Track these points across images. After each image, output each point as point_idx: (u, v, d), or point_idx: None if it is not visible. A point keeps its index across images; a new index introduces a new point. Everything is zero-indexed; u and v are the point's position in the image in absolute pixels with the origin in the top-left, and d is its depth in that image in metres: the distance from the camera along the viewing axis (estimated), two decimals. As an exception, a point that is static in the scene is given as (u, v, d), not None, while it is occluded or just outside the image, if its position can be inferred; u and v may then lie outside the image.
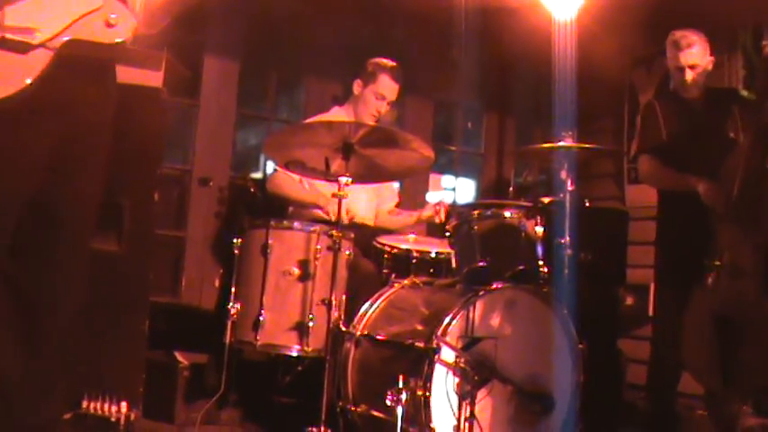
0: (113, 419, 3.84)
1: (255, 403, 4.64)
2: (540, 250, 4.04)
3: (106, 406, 3.86)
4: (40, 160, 2.47)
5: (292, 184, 4.86)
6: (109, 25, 2.44)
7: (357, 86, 5.06)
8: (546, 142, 4.54)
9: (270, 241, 4.16)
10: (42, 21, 2.36)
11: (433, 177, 7.28)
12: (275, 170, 4.96)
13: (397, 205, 5.36)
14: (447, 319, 3.51)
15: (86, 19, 2.42)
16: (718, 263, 4.25)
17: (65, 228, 2.59)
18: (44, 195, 2.51)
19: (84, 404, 3.85)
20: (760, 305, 4.05)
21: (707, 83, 4.88)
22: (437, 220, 4.88)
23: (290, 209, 4.98)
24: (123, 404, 3.91)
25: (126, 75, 4.31)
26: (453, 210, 4.89)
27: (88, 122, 2.58)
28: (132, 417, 3.93)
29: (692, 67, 4.76)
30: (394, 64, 5.09)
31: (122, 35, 2.47)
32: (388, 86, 5.04)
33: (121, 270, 4.11)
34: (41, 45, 2.35)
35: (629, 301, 6.22)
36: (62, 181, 2.55)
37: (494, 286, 3.71)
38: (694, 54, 4.76)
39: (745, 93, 5.52)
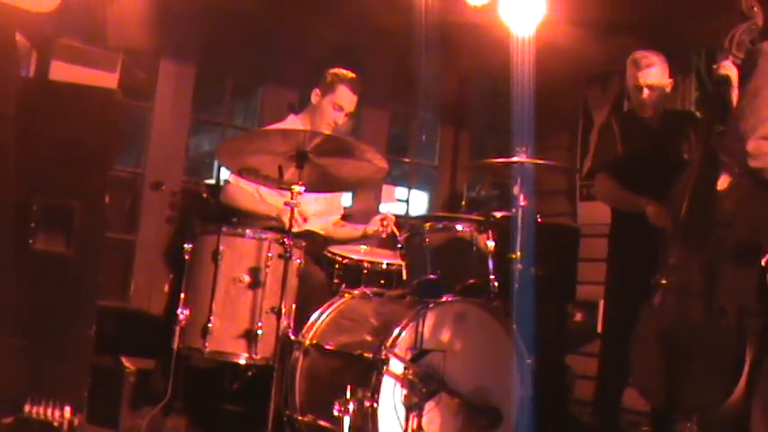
0: (56, 424, 3.80)
1: (202, 410, 4.60)
2: (491, 265, 4.06)
3: (49, 410, 3.81)
4: None
5: (246, 196, 4.83)
6: None
7: (315, 96, 5.03)
8: (500, 157, 4.56)
9: (221, 248, 4.12)
10: None
11: (386, 188, 7.30)
12: (228, 181, 4.93)
13: (343, 217, 5.34)
14: (396, 331, 3.51)
15: None
16: (664, 281, 4.29)
17: None
18: None
19: (27, 408, 3.80)
20: (705, 324, 4.09)
21: (664, 104, 4.94)
22: (383, 235, 4.86)
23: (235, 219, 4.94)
24: (67, 409, 3.87)
25: (80, 75, 4.31)
26: (405, 222, 4.89)
27: None
28: (76, 422, 3.89)
29: (650, 87, 4.82)
30: (353, 75, 5.06)
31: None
32: (346, 97, 5.02)
33: (70, 272, 4.07)
34: None
35: (579, 317, 6.26)
36: None
37: (444, 299, 3.71)
38: (654, 74, 4.82)
39: (698, 114, 5.59)
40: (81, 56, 4.36)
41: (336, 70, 5.06)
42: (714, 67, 4.47)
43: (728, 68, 4.31)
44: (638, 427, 5.35)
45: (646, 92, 4.84)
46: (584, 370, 5.92)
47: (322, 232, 5.03)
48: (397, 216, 4.98)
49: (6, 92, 2.29)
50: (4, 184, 2.33)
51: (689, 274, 4.21)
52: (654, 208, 4.52)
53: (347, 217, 5.44)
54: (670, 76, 4.92)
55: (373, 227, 4.97)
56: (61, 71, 4.30)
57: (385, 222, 4.87)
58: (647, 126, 4.91)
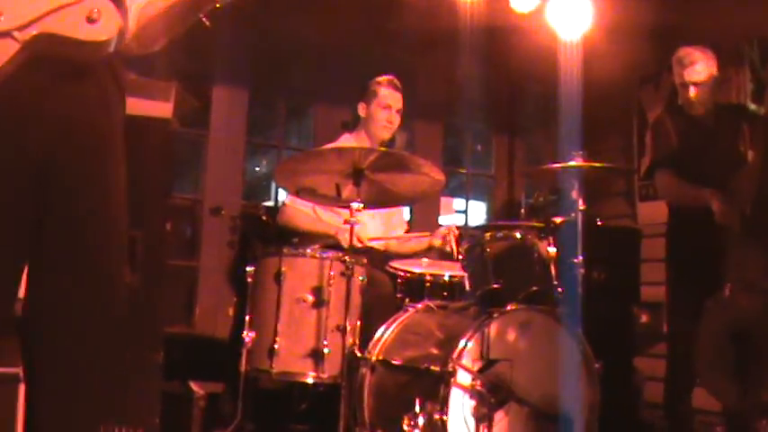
0: (130, 451, 3.84)
1: (273, 431, 4.63)
2: (553, 270, 4.03)
3: (110, 433, 3.85)
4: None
5: (303, 217, 4.85)
6: (90, 21, 2.10)
7: (362, 109, 5.07)
8: (556, 162, 4.54)
9: (283, 269, 4.15)
10: (8, 6, 2.05)
11: (444, 200, 7.30)
12: (284, 203, 4.97)
13: (407, 232, 5.35)
14: (462, 343, 3.50)
15: (64, 11, 2.09)
16: (731, 277, 4.24)
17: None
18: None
19: (101, 436, 3.84)
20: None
21: (715, 98, 4.88)
22: (447, 249, 4.85)
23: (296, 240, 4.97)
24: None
25: (135, 106, 4.35)
26: (465, 232, 4.88)
27: (69, 126, 2.20)
28: (149, 448, 3.93)
29: (695, 84, 4.77)
30: (390, 76, 5.11)
31: (105, 33, 2.12)
32: (390, 96, 5.06)
33: (135, 301, 4.11)
34: (5, 34, 2.04)
35: (644, 318, 6.20)
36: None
37: (508, 308, 3.69)
38: (698, 71, 4.77)
39: (753, 107, 5.52)
40: (135, 87, 4.40)
41: (373, 79, 5.10)
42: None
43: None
44: (712, 428, 5.28)
45: (692, 90, 4.78)
46: (654, 372, 5.86)
47: (381, 248, 5.04)
48: (458, 228, 4.98)
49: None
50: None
51: (756, 272, 4.17)
52: (721, 203, 4.46)
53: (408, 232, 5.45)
54: (718, 71, 4.86)
55: (437, 240, 4.97)
56: (118, 104, 4.35)
57: (449, 236, 4.88)
58: (699, 122, 4.86)
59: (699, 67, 4.77)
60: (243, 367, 4.15)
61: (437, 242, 4.96)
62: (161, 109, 4.40)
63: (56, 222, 2.18)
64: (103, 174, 2.29)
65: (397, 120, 5.10)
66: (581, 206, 4.38)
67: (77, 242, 2.19)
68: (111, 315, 2.28)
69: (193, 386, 4.57)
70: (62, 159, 2.18)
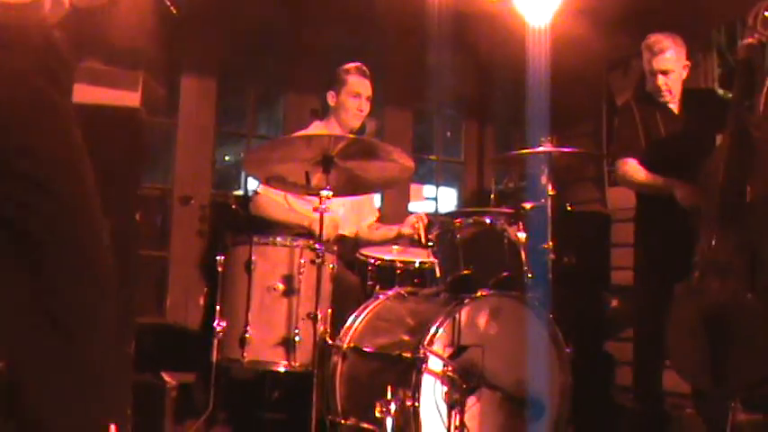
0: (102, 443, 3.82)
1: (244, 420, 4.63)
2: (523, 256, 4.04)
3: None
4: None
5: (275, 207, 4.85)
6: None
7: (331, 97, 5.07)
8: (525, 148, 4.55)
9: (253, 257, 4.14)
10: None
11: (414, 187, 7.29)
12: (256, 192, 4.96)
13: (378, 220, 5.36)
14: (433, 329, 3.51)
15: None
16: (701, 261, 4.27)
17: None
18: None
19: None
20: (746, 302, 4.07)
21: (683, 84, 4.90)
22: (416, 237, 4.86)
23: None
24: (112, 427, 3.87)
25: (103, 96, 4.33)
26: (435, 219, 4.89)
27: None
28: (121, 439, 3.90)
29: (664, 72, 4.78)
30: (358, 63, 5.11)
31: None
32: (359, 83, 5.07)
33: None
34: None
35: (614, 303, 6.23)
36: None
37: (478, 294, 3.71)
38: (668, 59, 4.77)
39: (721, 92, 5.55)
40: (102, 77, 4.38)
41: (341, 67, 5.10)
42: (739, 44, 4.45)
43: (751, 45, 4.30)
44: (682, 410, 5.31)
45: (661, 78, 4.79)
46: (624, 356, 5.90)
47: (352, 236, 5.04)
48: (428, 215, 4.99)
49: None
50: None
51: (728, 254, 4.19)
52: (683, 190, 4.49)
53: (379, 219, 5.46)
54: (688, 58, 4.87)
55: (407, 229, 4.97)
56: (84, 93, 4.32)
57: (417, 224, 4.88)
58: (667, 108, 4.88)
59: (668, 55, 4.77)
60: (214, 357, 4.16)
61: (406, 231, 4.97)
62: (129, 98, 4.38)
63: (18, 213, 2.10)
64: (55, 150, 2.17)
65: (366, 107, 5.11)
66: (550, 191, 4.41)
67: (51, 233, 2.14)
68: (105, 305, 2.24)
69: (165, 377, 4.56)
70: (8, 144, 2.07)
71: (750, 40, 4.30)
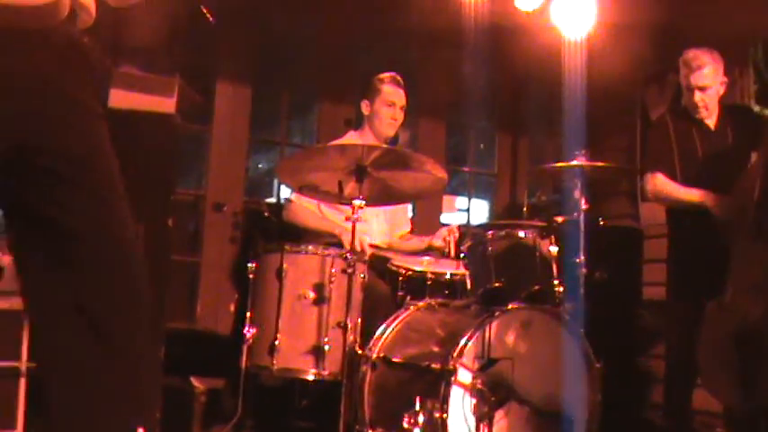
0: (131, 447, 3.83)
1: (272, 428, 4.64)
2: (555, 270, 4.03)
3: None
4: None
5: (307, 214, 4.87)
6: None
7: (365, 106, 5.10)
8: (559, 161, 4.54)
9: (284, 265, 4.15)
10: None
11: (446, 199, 7.29)
12: (289, 200, 4.98)
13: (411, 231, 5.36)
14: (463, 341, 3.50)
15: None
16: (734, 279, 4.24)
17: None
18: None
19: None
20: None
21: (720, 100, 4.87)
22: (446, 250, 4.85)
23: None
24: (140, 431, 3.90)
25: (138, 101, 4.36)
26: (467, 231, 4.87)
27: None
28: (149, 443, 3.91)
29: (702, 89, 4.75)
30: (393, 73, 5.14)
31: None
32: (393, 93, 5.10)
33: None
34: None
35: (646, 319, 6.20)
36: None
37: (509, 307, 3.70)
38: (705, 75, 4.74)
39: (757, 109, 5.51)
40: (138, 83, 4.40)
41: (375, 76, 5.12)
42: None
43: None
44: (713, 429, 5.27)
45: (698, 94, 4.76)
46: (655, 372, 5.86)
47: (384, 246, 5.04)
48: (460, 228, 4.98)
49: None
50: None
51: (761, 273, 4.16)
52: (717, 202, 4.46)
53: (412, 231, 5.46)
54: (725, 75, 4.84)
55: (438, 242, 4.97)
56: (120, 99, 4.35)
57: (448, 237, 4.88)
58: (704, 124, 4.85)
59: (706, 71, 4.74)
60: (244, 363, 4.16)
61: (438, 243, 4.96)
62: (164, 104, 4.40)
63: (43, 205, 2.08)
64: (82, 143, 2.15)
65: (401, 116, 5.13)
66: (583, 206, 4.38)
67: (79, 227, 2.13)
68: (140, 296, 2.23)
69: (194, 381, 4.58)
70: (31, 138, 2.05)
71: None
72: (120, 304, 2.18)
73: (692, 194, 4.63)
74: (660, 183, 4.83)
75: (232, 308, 5.51)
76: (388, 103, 5.07)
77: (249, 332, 4.17)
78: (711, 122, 4.85)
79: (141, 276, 2.26)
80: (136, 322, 2.24)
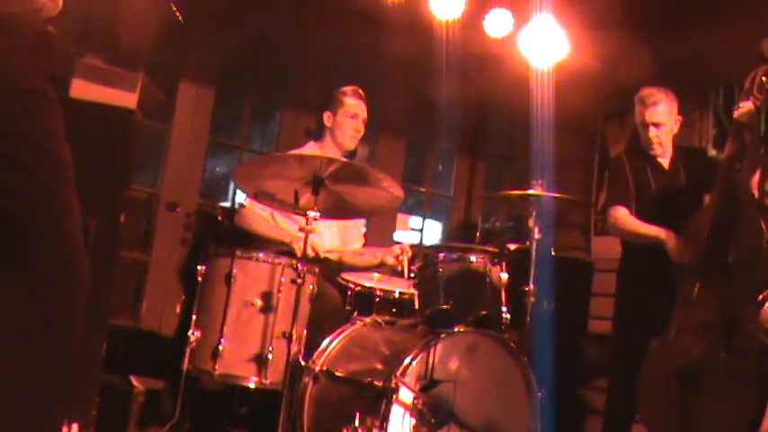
0: (64, 442, 3.79)
1: (209, 432, 4.60)
2: (503, 296, 4.04)
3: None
4: None
5: (260, 221, 4.85)
6: None
7: (327, 118, 5.10)
8: (515, 189, 4.56)
9: (234, 271, 4.13)
10: None
11: (401, 217, 7.29)
12: (243, 205, 4.96)
13: (363, 246, 5.36)
14: (407, 360, 3.50)
15: None
16: (679, 318, 4.28)
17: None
18: None
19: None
20: (723, 364, 4.07)
21: (676, 141, 4.94)
22: (399, 269, 4.86)
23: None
24: (75, 426, 3.86)
25: (100, 93, 4.33)
26: (419, 251, 4.88)
27: None
28: (83, 439, 3.88)
29: (656, 125, 4.83)
30: (355, 86, 5.17)
31: None
32: (356, 105, 5.11)
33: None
34: None
35: (590, 351, 6.24)
36: None
37: (456, 330, 3.70)
38: (660, 112, 4.82)
39: (714, 152, 5.58)
40: (102, 75, 4.37)
41: (339, 89, 5.13)
42: (734, 108, 4.48)
43: (748, 109, 4.33)
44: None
45: (652, 130, 4.85)
46: (596, 405, 5.90)
47: (336, 259, 5.03)
48: (413, 247, 4.98)
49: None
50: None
51: (707, 313, 4.20)
52: (675, 242, 4.50)
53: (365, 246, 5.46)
54: (680, 113, 4.92)
55: (390, 258, 4.97)
56: (81, 89, 4.31)
57: (401, 256, 4.88)
58: (657, 163, 4.92)
59: (660, 108, 4.83)
60: (185, 366, 4.13)
61: (390, 260, 4.96)
62: (125, 99, 4.37)
63: None
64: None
65: (362, 129, 5.14)
66: (536, 235, 4.40)
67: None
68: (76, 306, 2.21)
69: (134, 381, 4.52)
70: None
71: (746, 103, 4.33)
72: (54, 294, 2.16)
73: (652, 230, 4.67)
74: (622, 216, 4.88)
75: (178, 309, 5.46)
76: (351, 115, 5.08)
77: (193, 335, 4.14)
78: (665, 161, 4.92)
79: (80, 266, 2.24)
80: (69, 312, 2.22)
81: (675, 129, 4.92)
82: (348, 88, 5.15)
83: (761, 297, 3.25)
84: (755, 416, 3.87)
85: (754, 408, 3.89)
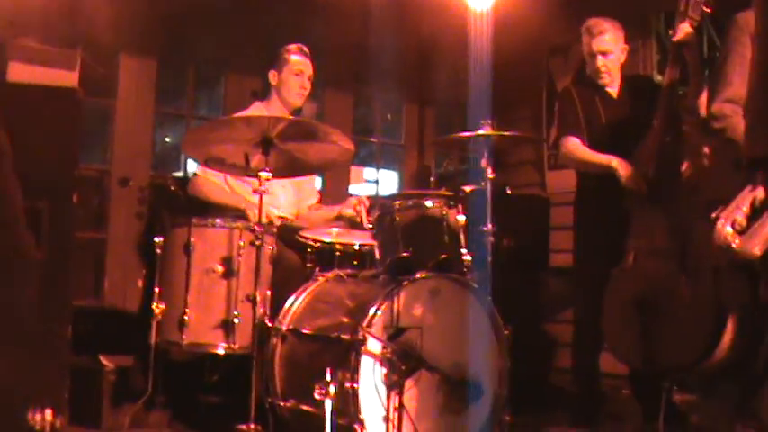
0: (38, 428, 3.77)
1: (184, 404, 4.59)
2: (462, 239, 4.05)
3: (30, 414, 3.79)
4: None
5: (214, 188, 4.82)
6: None
7: (273, 77, 5.07)
8: (465, 131, 4.56)
9: (192, 239, 4.12)
10: None
11: (354, 170, 7.30)
12: (196, 174, 4.93)
13: (319, 202, 5.36)
14: (372, 311, 3.51)
15: None
16: (635, 244, 4.33)
17: None
18: None
19: (7, 413, 3.77)
20: (679, 285, 4.12)
21: (622, 69, 4.96)
22: (357, 220, 4.86)
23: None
24: (48, 411, 3.84)
25: (39, 75, 4.27)
26: (375, 202, 4.88)
27: None
28: (58, 424, 3.86)
29: (603, 54, 4.86)
30: (299, 44, 5.14)
31: None
32: (301, 62, 5.10)
33: (41, 274, 4.04)
34: None
35: (553, 285, 6.30)
36: None
37: (417, 276, 3.71)
38: (606, 41, 4.85)
39: (659, 78, 5.61)
40: (39, 55, 4.32)
41: (283, 47, 5.10)
42: (671, 30, 4.51)
43: (686, 31, 4.36)
44: (619, 391, 5.39)
45: (600, 59, 4.87)
46: (562, 337, 5.97)
47: (292, 218, 5.03)
48: (369, 198, 4.99)
49: None
50: None
51: (660, 237, 4.26)
52: (626, 169, 4.54)
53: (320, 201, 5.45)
54: (626, 42, 4.94)
55: (348, 211, 4.97)
56: (19, 72, 4.26)
57: (359, 206, 4.88)
58: (606, 92, 4.94)
59: (607, 37, 4.85)
60: (153, 339, 4.13)
61: (347, 212, 4.97)
62: (66, 78, 4.32)
63: None
64: None
65: (308, 86, 5.12)
66: (490, 175, 4.41)
67: None
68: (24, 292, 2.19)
69: (103, 360, 4.51)
70: None
71: (683, 25, 4.36)
72: (3, 281, 2.15)
73: (603, 158, 4.71)
74: (573, 146, 4.91)
75: (140, 284, 5.43)
76: (296, 72, 5.06)
77: (158, 308, 4.13)
78: (614, 91, 4.95)
79: (27, 250, 2.22)
80: (22, 297, 2.21)
81: (622, 58, 4.95)
82: (292, 46, 5.12)
83: (713, 215, 3.27)
84: (713, 335, 3.94)
85: (711, 327, 3.96)
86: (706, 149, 4.15)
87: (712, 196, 3.80)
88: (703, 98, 4.26)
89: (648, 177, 4.34)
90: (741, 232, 3.03)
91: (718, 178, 4.03)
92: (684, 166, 4.30)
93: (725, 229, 3.24)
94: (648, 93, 4.86)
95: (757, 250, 3.25)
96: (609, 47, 4.86)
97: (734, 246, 3.14)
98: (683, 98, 4.53)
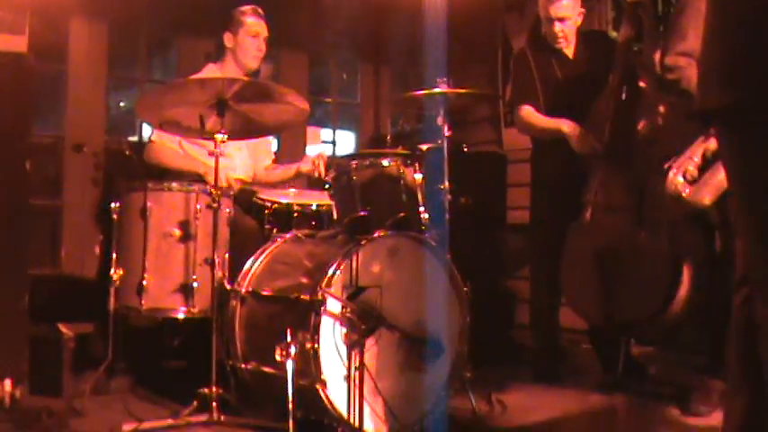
0: (-2, 399, 3.77)
1: (145, 369, 4.59)
2: (420, 197, 4.05)
3: (-11, 385, 3.78)
4: None
5: (170, 154, 4.79)
6: None
7: (228, 39, 5.03)
8: (421, 89, 4.55)
9: (148, 204, 4.09)
10: None
11: (311, 130, 7.27)
12: (151, 140, 4.89)
13: (275, 161, 5.34)
14: (330, 271, 3.51)
15: None
16: (592, 200, 4.36)
17: None
18: None
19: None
20: (636, 239, 4.16)
21: (578, 29, 4.96)
22: (316, 174, 4.86)
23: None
24: (7, 382, 3.83)
25: (-13, 41, 4.20)
26: (332, 161, 4.87)
27: None
28: (18, 394, 3.85)
29: (561, 20, 4.85)
30: (253, 5, 5.11)
31: None
32: (256, 24, 5.07)
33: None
34: None
35: (511, 242, 6.33)
36: None
37: (375, 235, 3.71)
38: (564, 6, 4.84)
39: (614, 34, 5.62)
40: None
41: (237, 9, 5.06)
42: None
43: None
44: (579, 346, 5.45)
45: (557, 25, 4.86)
46: (521, 294, 6.01)
47: (249, 180, 5.01)
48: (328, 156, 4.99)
49: None
50: None
51: (617, 192, 4.29)
52: (577, 135, 4.57)
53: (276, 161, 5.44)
54: (583, 5, 4.94)
55: (306, 166, 4.97)
56: (-36, 38, 4.19)
57: (317, 161, 4.87)
58: (562, 53, 4.95)
59: (565, 2, 4.83)
60: (112, 306, 4.11)
61: (306, 168, 4.97)
62: (15, 43, 4.26)
63: None
64: None
65: (264, 48, 5.09)
66: (447, 133, 4.41)
67: None
68: None
69: (62, 328, 4.48)
70: None
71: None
72: None
73: (554, 124, 4.73)
74: (526, 114, 4.94)
75: (97, 250, 5.40)
76: (252, 34, 5.03)
77: (115, 274, 4.11)
78: (570, 51, 4.96)
79: None
80: None
81: (579, 21, 4.95)
82: (247, 8, 5.08)
83: (666, 166, 3.31)
84: (669, 288, 3.99)
85: (667, 280, 4.00)
86: (662, 108, 4.16)
87: (667, 151, 3.84)
88: (659, 55, 4.28)
89: (605, 135, 4.37)
90: (693, 182, 3.07)
91: (673, 133, 4.05)
92: (641, 125, 4.32)
93: (676, 178, 3.27)
94: (604, 49, 4.87)
95: (707, 200, 3.29)
96: (567, 12, 4.85)
97: (684, 195, 3.18)
98: (638, 55, 4.54)
